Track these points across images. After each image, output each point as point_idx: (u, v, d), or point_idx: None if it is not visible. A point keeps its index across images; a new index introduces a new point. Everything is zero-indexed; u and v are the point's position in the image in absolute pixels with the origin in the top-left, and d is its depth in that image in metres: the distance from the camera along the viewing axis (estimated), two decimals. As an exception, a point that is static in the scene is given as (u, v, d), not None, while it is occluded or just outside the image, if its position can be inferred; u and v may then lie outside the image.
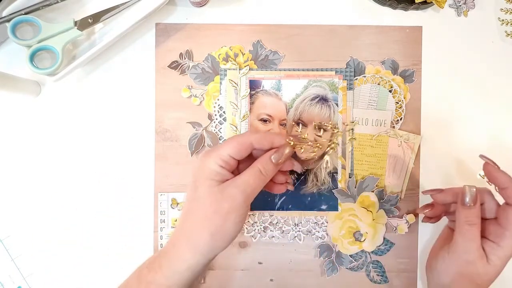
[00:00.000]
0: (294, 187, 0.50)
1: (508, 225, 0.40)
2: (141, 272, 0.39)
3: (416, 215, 0.51)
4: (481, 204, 0.43)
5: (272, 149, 0.41)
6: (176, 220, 0.51)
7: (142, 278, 0.39)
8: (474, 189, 0.41)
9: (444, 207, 0.47)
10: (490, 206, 0.43)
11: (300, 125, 0.50)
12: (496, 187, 0.42)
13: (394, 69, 0.51)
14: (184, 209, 0.40)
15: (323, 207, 0.50)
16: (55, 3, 0.49)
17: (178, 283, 0.38)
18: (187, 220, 0.39)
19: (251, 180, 0.39)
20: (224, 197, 0.38)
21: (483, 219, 0.42)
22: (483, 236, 0.42)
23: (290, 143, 0.41)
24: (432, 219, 0.48)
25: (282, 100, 0.50)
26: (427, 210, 0.47)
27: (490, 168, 0.42)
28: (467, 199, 0.41)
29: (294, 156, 0.50)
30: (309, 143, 0.42)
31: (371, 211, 0.50)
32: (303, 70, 0.51)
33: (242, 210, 0.38)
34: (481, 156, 0.43)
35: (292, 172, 0.50)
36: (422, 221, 0.49)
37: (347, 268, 0.51)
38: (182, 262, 0.38)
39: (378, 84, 0.51)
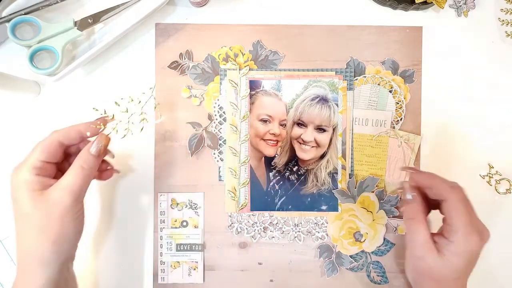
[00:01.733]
0: (294, 187, 0.50)
1: (450, 219, 0.40)
2: None
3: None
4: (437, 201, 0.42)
5: (84, 140, 0.41)
6: (176, 220, 0.51)
7: None
8: (407, 185, 0.42)
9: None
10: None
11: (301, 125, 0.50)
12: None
13: (394, 69, 0.51)
14: (17, 230, 0.38)
15: (323, 207, 0.50)
16: (55, 3, 0.49)
17: None
18: (24, 239, 0.38)
19: (75, 179, 0.38)
20: (52, 203, 0.37)
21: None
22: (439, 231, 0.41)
23: (101, 127, 0.40)
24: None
25: (282, 101, 0.50)
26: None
27: (411, 175, 0.42)
28: (407, 195, 0.41)
29: (294, 155, 0.50)
30: (120, 121, 0.41)
31: (371, 212, 0.50)
32: (303, 70, 0.51)
33: (75, 209, 0.38)
34: (402, 168, 0.44)
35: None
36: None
37: (347, 269, 0.50)
38: (35, 284, 0.38)
39: (378, 84, 0.51)
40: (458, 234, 0.39)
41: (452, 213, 0.39)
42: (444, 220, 0.41)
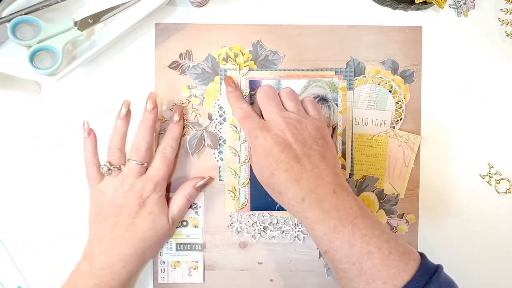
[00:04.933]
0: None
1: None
2: None
3: (416, 214, 0.51)
4: None
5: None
6: (176, 220, 0.51)
7: None
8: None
9: None
10: None
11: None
12: None
13: (394, 69, 0.51)
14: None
15: (323, 207, 0.50)
16: (55, 3, 0.49)
17: None
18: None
19: (182, 208, 0.48)
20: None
21: None
22: None
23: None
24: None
25: (282, 100, 0.50)
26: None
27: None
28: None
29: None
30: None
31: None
32: (303, 70, 0.51)
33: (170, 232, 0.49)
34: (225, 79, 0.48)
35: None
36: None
37: (347, 268, 0.50)
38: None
39: (378, 84, 0.51)
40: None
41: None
42: None
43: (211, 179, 0.50)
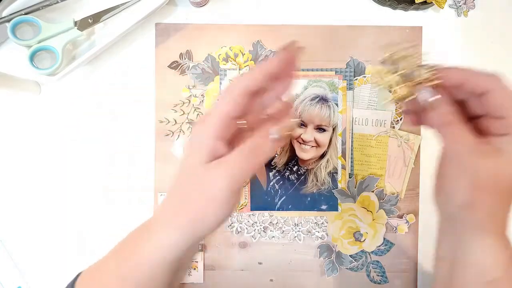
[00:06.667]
0: (294, 187, 0.50)
1: (500, 110, 0.31)
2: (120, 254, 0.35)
3: (416, 214, 0.51)
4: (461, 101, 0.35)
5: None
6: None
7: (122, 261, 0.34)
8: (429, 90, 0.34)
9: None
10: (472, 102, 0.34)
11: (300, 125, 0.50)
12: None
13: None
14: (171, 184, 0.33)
15: (323, 207, 0.50)
16: (55, 3, 0.49)
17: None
18: (170, 198, 0.33)
19: (242, 163, 0.30)
20: (208, 180, 0.30)
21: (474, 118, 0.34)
22: (484, 135, 0.32)
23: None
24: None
25: (282, 100, 0.50)
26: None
27: (443, 73, 0.33)
28: (430, 99, 0.34)
29: (294, 154, 0.50)
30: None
31: (371, 211, 0.50)
32: (303, 70, 0.51)
33: (226, 198, 0.30)
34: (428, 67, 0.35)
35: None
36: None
37: (347, 268, 0.51)
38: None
39: (378, 84, 0.51)
40: None
41: (504, 101, 0.31)
42: (486, 117, 0.33)
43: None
